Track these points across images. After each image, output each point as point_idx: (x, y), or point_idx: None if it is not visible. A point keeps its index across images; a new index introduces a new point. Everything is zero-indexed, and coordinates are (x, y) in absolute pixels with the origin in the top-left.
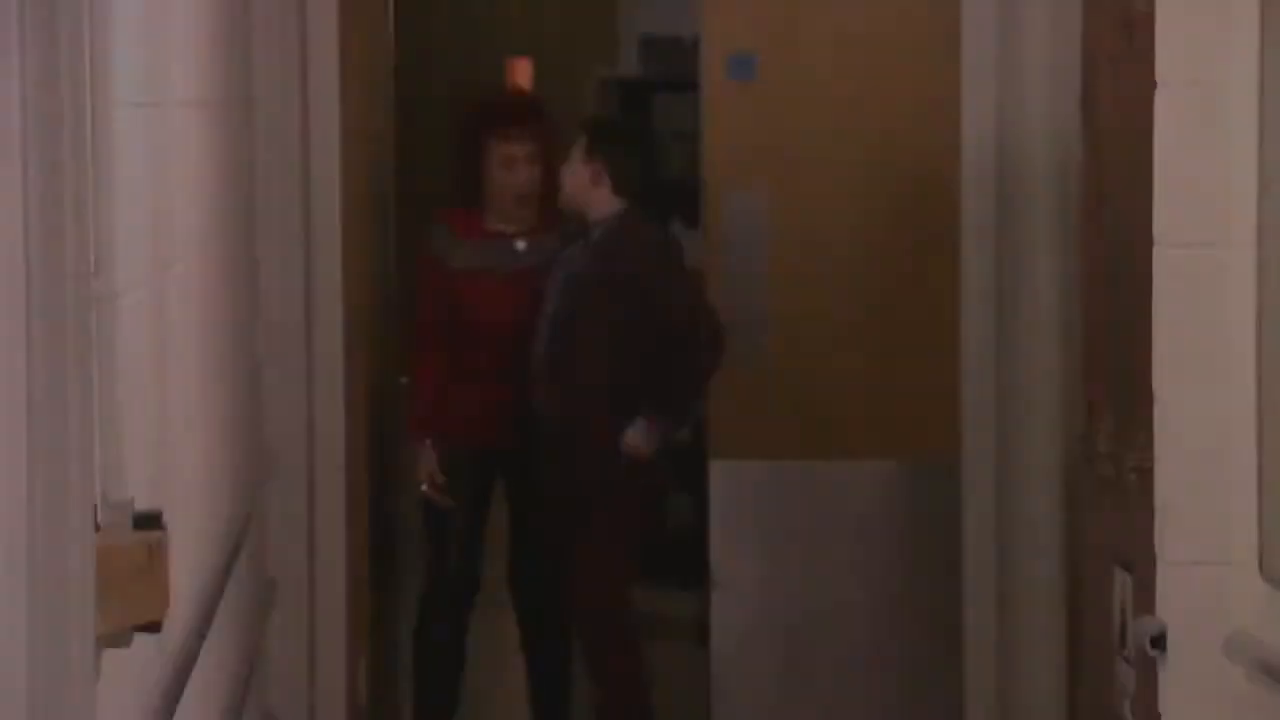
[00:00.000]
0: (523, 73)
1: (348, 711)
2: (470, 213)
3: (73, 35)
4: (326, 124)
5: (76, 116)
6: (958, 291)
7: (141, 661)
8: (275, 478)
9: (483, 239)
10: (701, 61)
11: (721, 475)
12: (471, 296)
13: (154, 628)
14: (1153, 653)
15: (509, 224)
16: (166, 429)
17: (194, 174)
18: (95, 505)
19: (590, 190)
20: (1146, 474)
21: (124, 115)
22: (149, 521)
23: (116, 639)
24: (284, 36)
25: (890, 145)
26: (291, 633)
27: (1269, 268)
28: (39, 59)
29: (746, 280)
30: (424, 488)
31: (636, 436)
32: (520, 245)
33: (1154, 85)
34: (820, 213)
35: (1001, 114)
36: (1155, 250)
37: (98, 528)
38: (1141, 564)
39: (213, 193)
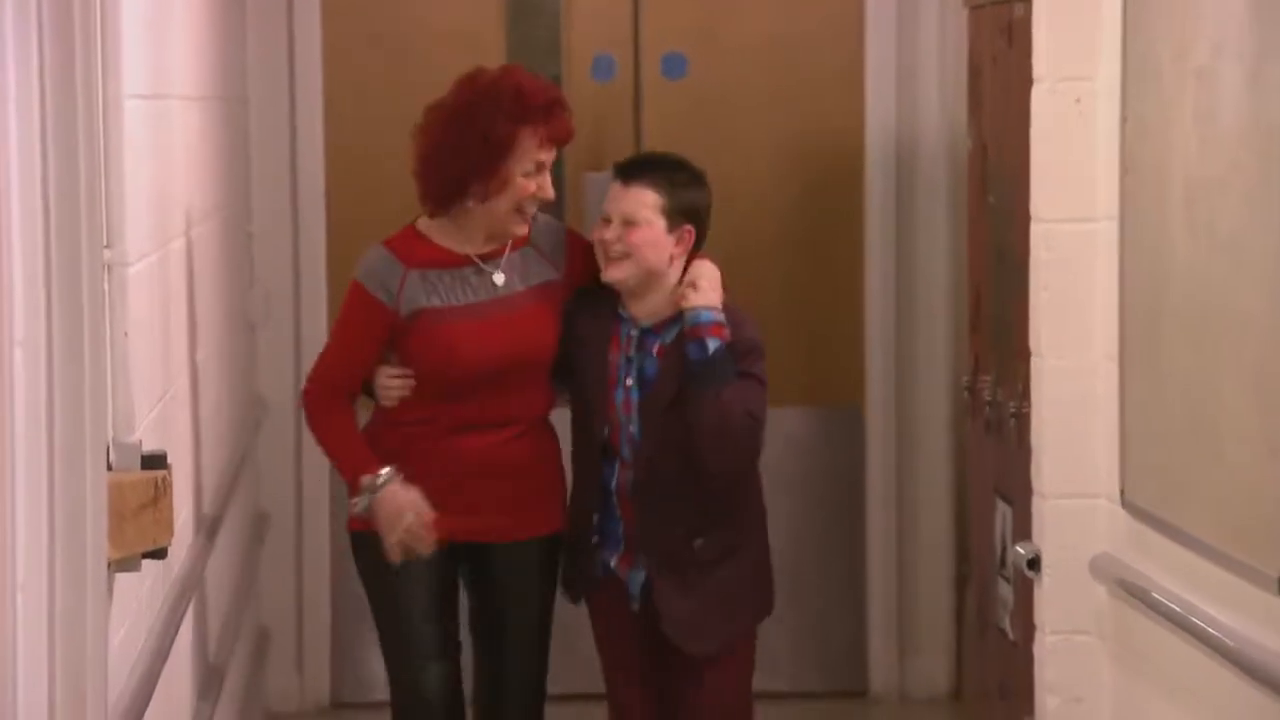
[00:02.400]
0: None
1: (331, 627)
2: (414, 236)
3: (86, 37)
4: (312, 117)
5: (90, 108)
6: (862, 261)
7: (149, 584)
8: (267, 423)
9: (450, 267)
10: (638, 60)
11: None
12: (446, 343)
13: (160, 554)
14: (1029, 573)
15: (481, 245)
16: (171, 380)
17: (195, 159)
18: (108, 447)
19: (667, 266)
20: (1024, 419)
21: (132, 107)
22: (155, 462)
23: (127, 564)
24: (274, 40)
25: (803, 132)
26: (281, 559)
27: (1129, 240)
28: (57, 59)
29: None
30: (399, 535)
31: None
32: (499, 278)
33: (1030, 81)
34: (743, 193)
35: (900, 106)
36: (1032, 225)
37: (110, 467)
38: (1020, 497)
39: (211, 176)
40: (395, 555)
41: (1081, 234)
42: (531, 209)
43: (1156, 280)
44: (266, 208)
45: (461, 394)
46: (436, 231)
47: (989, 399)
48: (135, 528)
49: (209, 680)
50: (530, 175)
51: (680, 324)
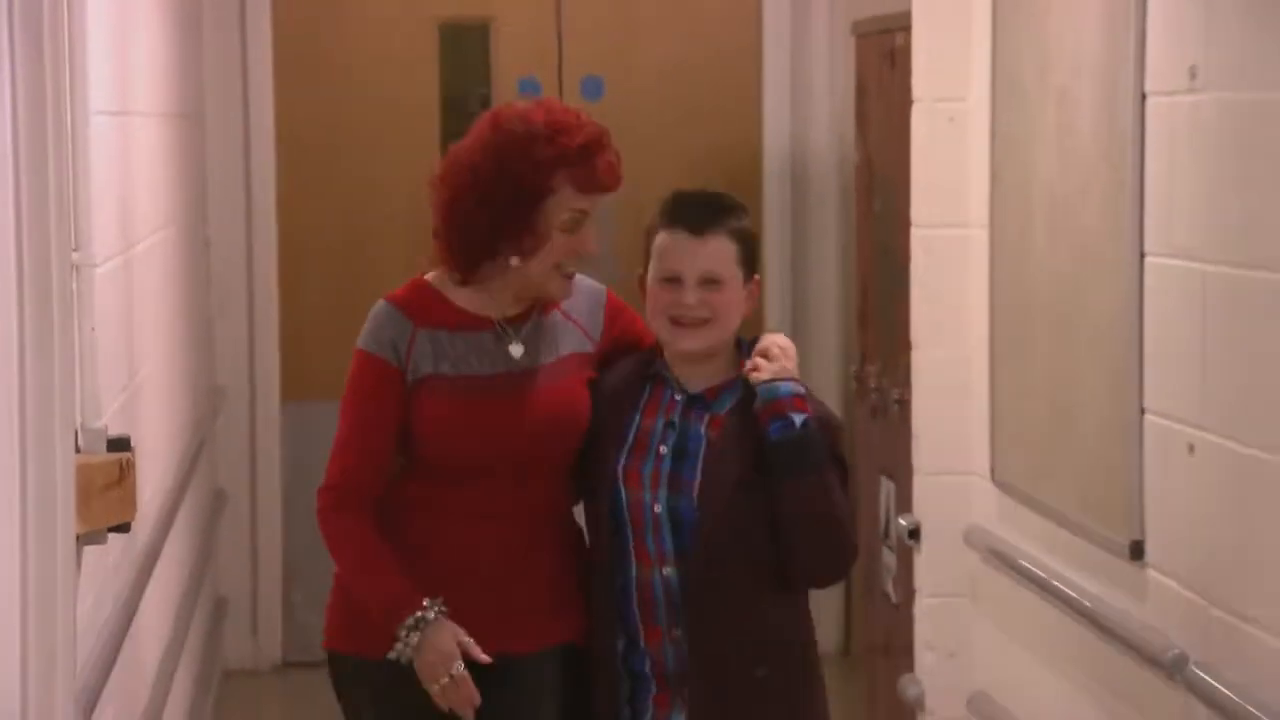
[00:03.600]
0: None
1: (283, 594)
2: (425, 290)
3: (55, 59)
4: (263, 131)
5: (59, 124)
6: (761, 263)
7: (115, 556)
8: (223, 409)
9: (465, 331)
10: (560, 82)
11: None
12: (448, 420)
13: (124, 529)
14: (909, 542)
15: (507, 307)
16: (134, 371)
17: (156, 171)
18: (76, 431)
19: (738, 322)
20: (906, 405)
21: (98, 123)
22: (120, 444)
23: (94, 538)
24: (228, 62)
25: (707, 147)
26: (237, 532)
27: (998, 244)
28: (28, 79)
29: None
30: (443, 682)
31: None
32: (515, 350)
33: (910, 101)
34: (653, 202)
35: (794, 124)
36: (912, 230)
37: (78, 449)
38: (901, 473)
39: (171, 186)
40: (442, 702)
41: (956, 239)
42: (575, 268)
43: (1022, 280)
44: (222, 214)
45: (466, 478)
46: (452, 289)
47: (875, 386)
48: (101, 505)
49: (171, 642)
50: (569, 229)
51: (735, 392)
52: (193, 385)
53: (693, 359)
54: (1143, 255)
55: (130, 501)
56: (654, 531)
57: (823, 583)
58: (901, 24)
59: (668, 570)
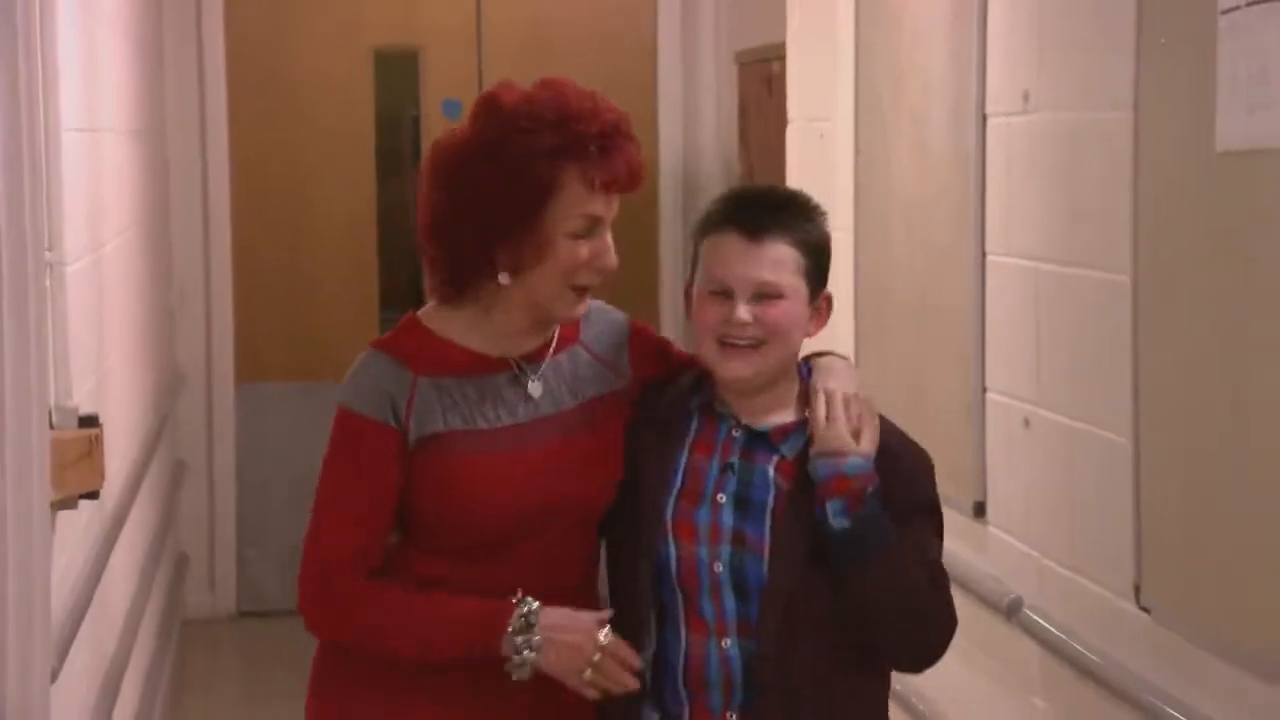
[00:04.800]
0: None
1: (237, 553)
2: (418, 331)
3: (29, 81)
4: (219, 145)
5: (34, 139)
6: (657, 264)
7: (85, 520)
8: (184, 390)
9: (475, 374)
10: None
11: None
12: (467, 483)
13: (94, 496)
14: None
15: (520, 342)
16: (103, 356)
17: (122, 180)
18: (50, 410)
19: (799, 344)
20: None
21: (69, 138)
22: (89, 421)
23: (66, 504)
24: (186, 83)
25: None
26: (196, 498)
27: (862, 247)
28: (5, 99)
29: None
30: (595, 660)
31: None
32: (534, 389)
33: (785, 121)
34: None
35: (685, 141)
36: None
37: (52, 426)
38: None
39: (136, 193)
40: (595, 693)
41: None
42: (589, 282)
43: (883, 280)
44: (182, 218)
45: (485, 552)
46: (452, 324)
47: None
48: (73, 475)
49: (136, 595)
50: (580, 236)
51: (805, 434)
52: (155, 368)
53: (745, 390)
54: (984, 255)
55: (99, 472)
56: (713, 595)
57: (916, 667)
58: (778, 54)
59: (727, 642)
